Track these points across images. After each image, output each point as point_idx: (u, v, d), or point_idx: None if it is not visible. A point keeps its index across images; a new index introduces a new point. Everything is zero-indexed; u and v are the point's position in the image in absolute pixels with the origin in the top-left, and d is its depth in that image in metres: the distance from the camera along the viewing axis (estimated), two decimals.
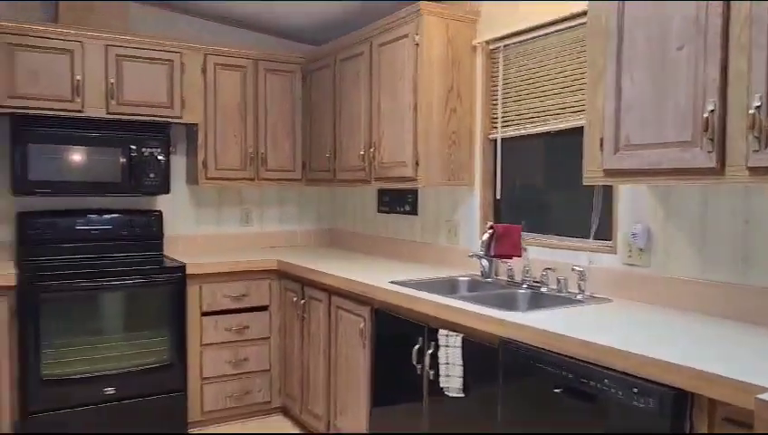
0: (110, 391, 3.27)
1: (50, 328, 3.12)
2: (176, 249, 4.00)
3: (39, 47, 3.30)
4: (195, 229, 4.13)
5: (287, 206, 4.46)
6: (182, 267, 3.46)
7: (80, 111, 3.42)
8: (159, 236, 3.86)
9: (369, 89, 3.39)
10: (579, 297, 2.48)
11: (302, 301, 3.44)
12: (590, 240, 2.62)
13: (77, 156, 3.42)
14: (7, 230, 3.57)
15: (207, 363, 3.57)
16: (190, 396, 3.51)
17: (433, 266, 3.38)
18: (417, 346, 2.50)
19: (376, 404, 2.82)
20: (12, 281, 3.06)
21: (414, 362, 2.50)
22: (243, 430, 3.59)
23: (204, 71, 3.77)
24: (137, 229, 3.78)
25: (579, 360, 1.80)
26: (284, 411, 3.81)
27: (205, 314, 3.55)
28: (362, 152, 3.44)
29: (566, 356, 1.84)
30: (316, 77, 3.95)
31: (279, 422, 3.72)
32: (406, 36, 3.09)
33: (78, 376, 3.20)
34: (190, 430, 3.53)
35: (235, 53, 3.86)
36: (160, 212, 3.89)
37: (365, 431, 2.87)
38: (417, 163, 3.04)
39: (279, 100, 4.02)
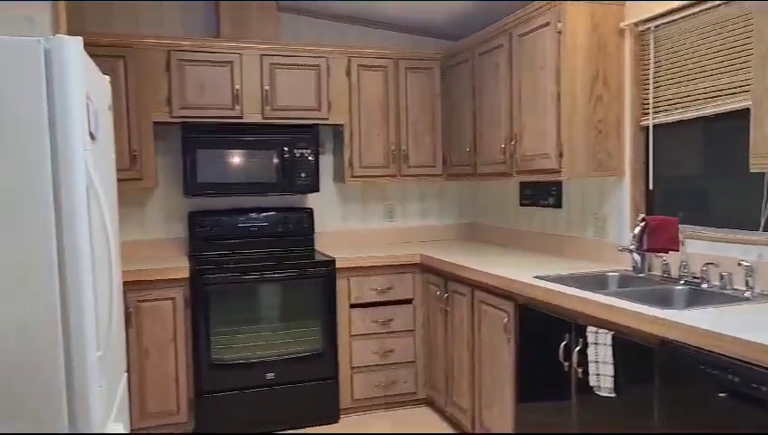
0: (270, 376, 3.53)
1: (217, 316, 3.44)
2: (325, 244, 4.22)
3: (205, 61, 3.63)
4: (342, 225, 4.33)
5: (428, 201, 4.53)
6: (332, 262, 3.64)
7: (239, 118, 3.71)
8: (311, 232, 4.10)
9: (509, 81, 3.35)
10: (746, 295, 2.29)
11: (445, 295, 3.49)
12: (760, 232, 2.41)
13: (237, 159, 3.72)
14: (181, 228, 3.97)
15: (356, 353, 3.74)
16: (341, 384, 3.70)
17: (579, 261, 3.27)
18: (563, 343, 2.45)
19: (522, 400, 2.80)
20: (185, 273, 3.41)
21: (561, 359, 2.45)
22: (390, 419, 3.71)
23: (348, 73, 3.93)
24: (290, 226, 4.05)
25: (748, 362, 1.67)
26: (430, 403, 3.89)
27: (353, 305, 3.72)
28: (503, 145, 3.41)
29: (733, 358, 1.71)
30: (455, 72, 3.97)
31: (425, 414, 3.80)
32: (547, 25, 3.01)
33: (242, 361, 3.49)
34: (342, 417, 3.72)
35: (376, 54, 3.99)
36: (311, 209, 4.12)
37: (511, 430, 2.86)
38: (560, 154, 2.96)
39: (419, 97, 4.09)
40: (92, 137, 1.79)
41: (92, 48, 3.06)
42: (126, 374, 2.38)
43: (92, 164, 1.69)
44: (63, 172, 1.63)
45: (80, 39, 1.67)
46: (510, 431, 2.87)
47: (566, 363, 2.44)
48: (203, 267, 3.44)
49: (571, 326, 2.42)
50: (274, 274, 3.55)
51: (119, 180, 3.12)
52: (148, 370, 3.38)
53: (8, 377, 1.59)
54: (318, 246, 4.16)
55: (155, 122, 3.59)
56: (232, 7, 3.79)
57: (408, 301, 3.82)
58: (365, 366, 3.76)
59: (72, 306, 1.65)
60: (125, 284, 3.19)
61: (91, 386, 1.68)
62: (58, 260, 1.63)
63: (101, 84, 2.11)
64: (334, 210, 4.31)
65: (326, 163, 4.24)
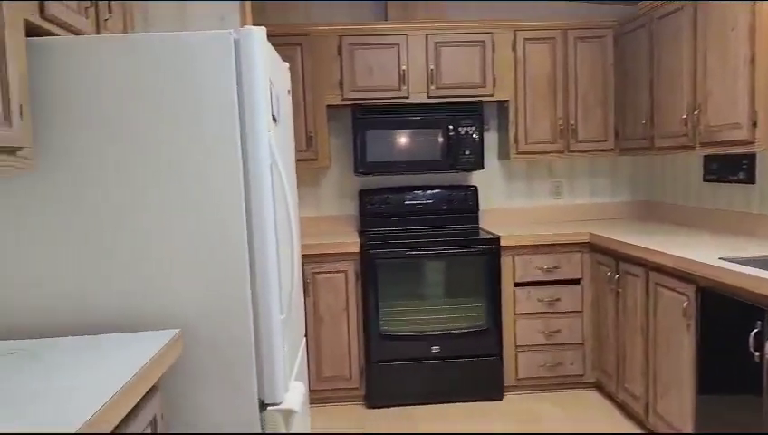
0: (435, 349, 3.63)
1: (385, 289, 3.59)
2: (489, 222, 4.21)
3: (373, 44, 3.76)
4: (507, 203, 4.28)
5: (599, 177, 4.32)
6: (497, 239, 3.63)
7: (405, 98, 3.81)
8: (475, 209, 4.11)
9: (692, 45, 3.07)
10: None
11: (617, 276, 3.32)
12: None
13: (403, 138, 3.83)
14: (353, 205, 4.18)
15: (520, 332, 3.70)
16: (506, 362, 3.69)
17: None
18: (755, 331, 2.23)
19: (703, 391, 2.60)
20: (356, 248, 3.60)
21: (751, 349, 2.24)
22: (556, 401, 3.64)
23: (514, 47, 3.85)
24: (455, 203, 4.09)
25: None
26: (599, 387, 3.74)
27: (518, 284, 3.68)
28: (684, 116, 3.14)
29: None
30: (629, 39, 3.72)
31: (594, 398, 3.67)
32: None
33: (409, 333, 3.62)
34: (506, 394, 3.72)
35: (544, 26, 3.86)
36: (476, 187, 4.13)
37: (691, 422, 2.67)
38: (754, 124, 2.66)
39: (590, 68, 3.89)
40: (275, 119, 1.95)
41: (273, 39, 3.33)
42: (305, 339, 2.59)
43: (275, 144, 1.85)
44: (251, 151, 1.80)
45: (263, 28, 1.82)
46: (690, 424, 2.69)
47: (757, 354, 2.22)
48: (372, 242, 3.61)
49: (764, 314, 2.20)
50: (440, 250, 3.62)
51: (296, 160, 3.36)
52: (324, 337, 3.63)
53: (207, 337, 1.81)
54: (483, 224, 4.16)
55: (328, 105, 3.80)
56: None
57: (576, 281, 3.69)
58: (529, 345, 3.71)
59: (259, 273, 1.83)
60: (302, 256, 3.45)
61: (276, 346, 1.86)
62: (247, 231, 1.81)
63: (282, 71, 2.28)
64: (499, 188, 4.27)
65: (491, 140, 4.21)
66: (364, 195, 4.07)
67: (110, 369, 1.40)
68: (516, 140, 3.90)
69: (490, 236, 3.68)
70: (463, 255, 3.62)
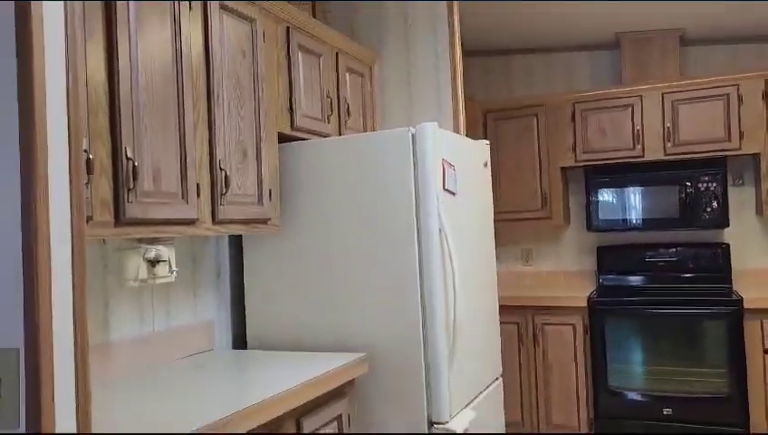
0: (667, 411, 3.53)
1: (613, 344, 3.65)
2: (745, 283, 3.89)
3: (606, 108, 3.95)
4: (766, 263, 3.91)
5: None
6: (738, 301, 3.41)
7: (640, 157, 3.87)
8: (726, 269, 3.86)
9: None
10: None
11: None
12: None
13: (637, 196, 3.87)
14: (592, 261, 4.31)
15: None
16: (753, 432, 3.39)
17: None
18: None
19: None
20: (583, 302, 3.75)
21: None
22: None
23: (765, 97, 3.62)
24: (702, 262, 3.91)
25: None
26: None
27: (767, 351, 3.37)
28: None
29: None
30: None
31: None
32: None
33: (638, 391, 3.59)
34: None
35: None
36: (727, 245, 3.89)
37: None
38: None
39: None
40: (450, 192, 2.43)
41: (508, 111, 3.94)
42: (498, 379, 2.92)
43: (445, 212, 2.32)
44: (422, 218, 2.31)
45: (435, 124, 2.34)
46: None
47: None
48: (599, 299, 3.72)
49: None
50: (671, 309, 3.55)
51: (532, 219, 3.80)
52: (552, 385, 3.83)
53: (389, 363, 2.34)
54: (737, 286, 3.87)
55: (562, 167, 4.08)
56: (633, 51, 4.01)
57: None
58: None
59: (428, 314, 2.30)
60: (534, 308, 3.77)
61: (442, 374, 2.29)
62: (420, 280, 2.31)
63: (471, 149, 2.75)
64: (757, 246, 3.93)
65: (747, 195, 3.93)
66: (602, 251, 4.18)
67: (307, 371, 2.03)
68: None
69: (731, 297, 3.46)
70: (697, 315, 3.49)
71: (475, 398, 2.58)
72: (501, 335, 3.88)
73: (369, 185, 2.39)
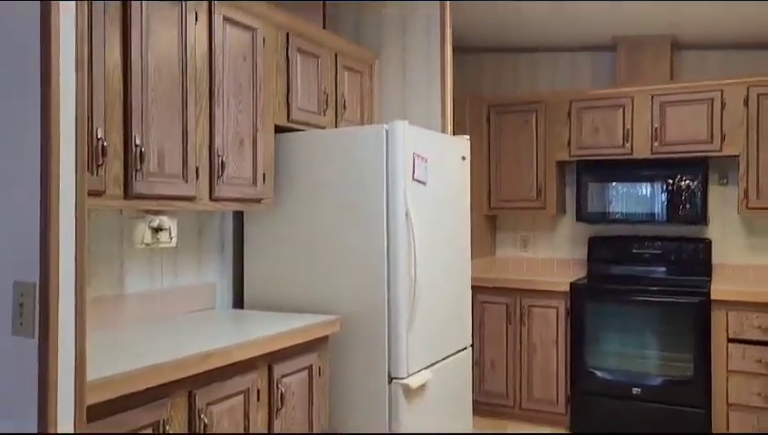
0: (636, 391, 3.81)
1: (593, 327, 3.94)
2: (723, 277, 4.11)
3: (600, 107, 4.20)
4: (746, 259, 4.11)
5: None
6: (706, 293, 3.65)
7: (628, 155, 4.12)
8: (705, 263, 4.09)
9: None
10: None
11: None
12: None
13: (623, 191, 4.13)
14: (584, 250, 4.58)
15: (733, 390, 3.60)
16: (714, 417, 3.64)
17: None
18: None
19: None
20: (566, 287, 4.05)
21: None
22: None
23: (746, 103, 3.81)
24: (684, 255, 4.15)
25: None
26: None
27: (731, 340, 3.61)
28: None
29: None
30: None
31: None
32: None
33: (611, 372, 3.89)
34: None
35: None
36: (709, 241, 4.11)
37: None
38: None
39: None
40: (421, 182, 2.79)
41: (514, 105, 4.25)
42: (468, 349, 3.28)
43: (412, 198, 2.69)
44: (391, 202, 2.68)
45: (406, 122, 2.71)
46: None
47: None
48: (580, 284, 4.01)
49: None
50: (645, 297, 3.82)
51: (528, 208, 4.12)
52: (535, 363, 4.15)
53: (357, 324, 2.73)
54: (715, 280, 4.09)
55: (558, 161, 4.36)
56: (628, 54, 4.25)
57: None
58: (743, 405, 3.58)
59: (392, 283, 2.68)
60: (522, 290, 4.10)
61: (401, 338, 2.67)
62: (387, 256, 2.69)
63: (448, 144, 3.09)
64: (739, 243, 4.14)
65: (731, 194, 4.13)
66: (593, 241, 4.45)
67: (284, 325, 2.45)
68: (747, 195, 3.82)
69: (699, 288, 3.70)
70: (669, 305, 3.75)
71: (437, 362, 2.96)
72: (491, 315, 4.25)
73: (349, 172, 2.77)
